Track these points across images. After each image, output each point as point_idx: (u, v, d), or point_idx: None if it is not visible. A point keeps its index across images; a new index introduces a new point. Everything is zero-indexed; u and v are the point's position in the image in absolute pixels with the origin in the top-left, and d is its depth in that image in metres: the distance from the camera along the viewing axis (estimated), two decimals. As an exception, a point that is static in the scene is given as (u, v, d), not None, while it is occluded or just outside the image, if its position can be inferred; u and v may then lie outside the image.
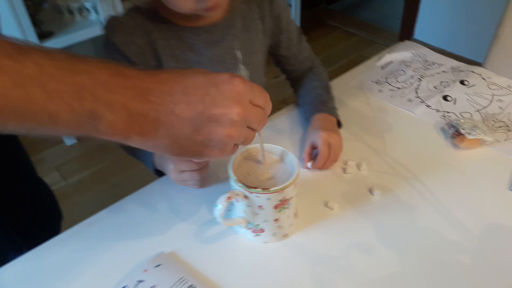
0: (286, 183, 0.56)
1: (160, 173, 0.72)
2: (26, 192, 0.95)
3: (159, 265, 0.58)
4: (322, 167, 0.73)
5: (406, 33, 2.59)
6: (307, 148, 0.74)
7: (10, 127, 0.37)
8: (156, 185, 0.72)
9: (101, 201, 1.70)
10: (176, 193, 0.70)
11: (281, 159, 0.62)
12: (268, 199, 0.56)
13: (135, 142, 0.42)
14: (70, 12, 1.92)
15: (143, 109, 0.40)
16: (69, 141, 1.99)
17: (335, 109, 0.80)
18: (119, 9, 1.91)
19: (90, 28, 1.89)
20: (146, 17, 0.70)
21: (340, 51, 2.62)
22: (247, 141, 0.47)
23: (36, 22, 1.74)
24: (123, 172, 1.82)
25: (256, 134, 0.48)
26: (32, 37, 1.70)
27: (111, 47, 0.69)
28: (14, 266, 0.60)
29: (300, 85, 0.86)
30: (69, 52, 0.39)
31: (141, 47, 0.70)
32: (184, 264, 0.59)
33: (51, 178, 1.81)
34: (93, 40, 2.00)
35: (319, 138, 0.72)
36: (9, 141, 0.89)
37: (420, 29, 2.50)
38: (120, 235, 0.64)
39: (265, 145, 0.60)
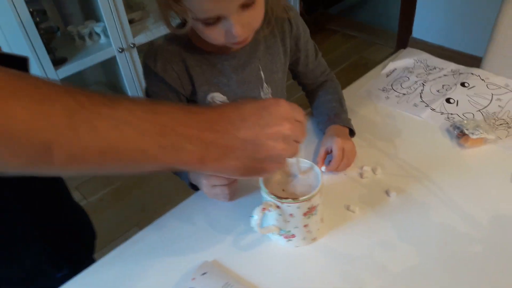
0: (313, 192, 0.63)
1: (194, 187, 0.80)
2: (65, 214, 1.03)
3: (205, 273, 0.65)
4: (335, 170, 0.80)
5: (404, 32, 2.66)
6: (322, 153, 0.81)
7: (108, 167, 0.45)
8: (192, 200, 0.79)
9: (122, 216, 1.78)
10: (211, 207, 0.77)
11: (306, 170, 0.69)
12: (298, 207, 0.63)
13: (211, 168, 0.50)
14: (81, 37, 2.00)
15: (213, 138, 0.48)
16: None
17: (348, 120, 0.87)
18: (128, 31, 1.98)
19: (101, 52, 1.97)
20: (181, 46, 0.79)
21: (342, 54, 2.69)
22: (296, 153, 0.55)
23: (50, 49, 1.82)
24: (139, 188, 1.90)
25: None
26: (47, 64, 1.78)
27: (152, 74, 0.78)
28: (74, 284, 0.67)
29: (315, 97, 0.94)
30: (147, 99, 0.49)
31: (178, 73, 0.79)
32: (227, 270, 0.66)
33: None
34: (103, 63, 2.07)
35: (334, 143, 0.80)
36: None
37: (418, 27, 2.57)
38: (166, 249, 0.71)
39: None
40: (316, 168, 0.67)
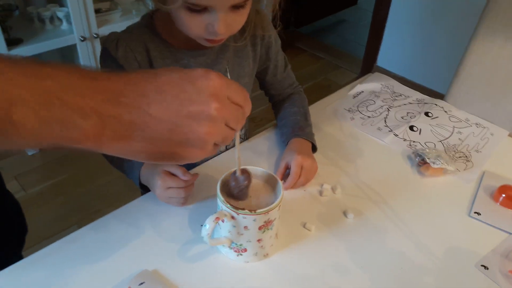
0: (272, 205, 0.59)
1: (144, 188, 0.74)
2: None
3: (142, 283, 0.60)
4: (292, 188, 0.77)
5: (369, 59, 2.72)
6: (281, 168, 0.78)
7: None
8: (139, 202, 0.73)
9: (61, 213, 1.67)
10: (159, 211, 0.71)
11: (265, 181, 0.65)
12: (254, 220, 0.59)
13: (109, 149, 0.39)
14: (41, 20, 1.89)
15: (115, 112, 0.38)
16: (30, 151, 1.94)
17: (311, 135, 0.85)
18: (93, 20, 1.90)
19: (61, 38, 1.87)
20: (146, 35, 0.73)
21: (307, 74, 2.71)
22: (226, 140, 0.44)
23: (4, 28, 1.70)
24: (85, 184, 1.79)
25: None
26: (0, 42, 1.66)
27: (110, 60, 0.72)
28: (-7, 282, 0.60)
29: (280, 109, 0.91)
30: (32, 58, 0.36)
31: (140, 63, 0.73)
32: (167, 282, 0.61)
33: (10, 188, 1.75)
34: (62, 50, 1.97)
35: (293, 160, 0.77)
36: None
37: (383, 57, 2.63)
38: (103, 253, 0.65)
39: (250, 167, 0.63)
40: (278, 181, 0.64)
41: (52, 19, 1.90)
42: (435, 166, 0.81)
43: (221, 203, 0.60)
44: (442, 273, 0.65)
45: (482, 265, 0.66)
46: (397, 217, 0.74)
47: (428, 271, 0.65)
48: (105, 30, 1.97)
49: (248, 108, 0.45)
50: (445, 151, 0.88)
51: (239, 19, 0.69)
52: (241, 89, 0.44)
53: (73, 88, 0.36)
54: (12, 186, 1.77)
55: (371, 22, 2.63)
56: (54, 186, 1.79)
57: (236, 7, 0.65)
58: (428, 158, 0.82)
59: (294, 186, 0.77)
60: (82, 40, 1.91)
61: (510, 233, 0.72)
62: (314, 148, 0.84)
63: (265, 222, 0.60)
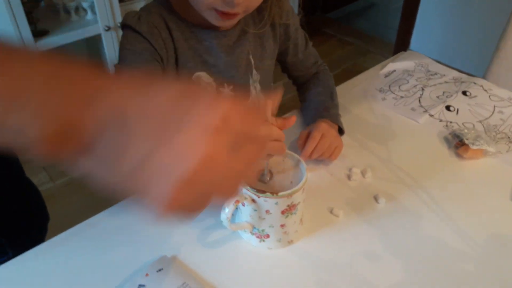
0: (295, 188, 0.55)
1: None
2: (14, 192, 0.93)
3: (161, 270, 0.57)
4: (311, 156, 0.71)
5: (402, 44, 2.61)
6: (303, 135, 0.72)
7: None
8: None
9: (89, 204, 1.67)
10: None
11: (289, 162, 0.61)
12: (276, 203, 0.55)
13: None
14: (67, 11, 1.90)
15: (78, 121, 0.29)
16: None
17: (338, 116, 0.80)
18: (117, 10, 1.90)
19: (86, 28, 1.87)
20: (165, 13, 0.70)
21: (335, 60, 2.63)
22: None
23: (31, 20, 1.71)
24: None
25: None
26: (27, 34, 1.68)
27: (137, 37, 0.67)
28: (7, 267, 0.58)
29: (304, 90, 0.86)
30: None
31: (165, 40, 0.69)
32: (186, 268, 0.58)
33: (38, 178, 1.78)
34: (88, 40, 1.98)
35: (315, 126, 0.72)
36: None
37: (416, 41, 2.53)
38: (121, 238, 0.62)
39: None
40: (302, 162, 0.59)
41: (77, 9, 1.91)
42: (475, 147, 0.74)
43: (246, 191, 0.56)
44: (483, 260, 0.59)
45: (529, 254, 0.60)
46: (433, 202, 0.68)
47: (467, 259, 0.60)
48: (130, 19, 1.97)
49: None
50: (485, 131, 0.82)
51: None
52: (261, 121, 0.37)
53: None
54: (40, 176, 1.79)
55: (402, 4, 2.52)
56: (82, 177, 1.80)
57: None
58: (467, 139, 0.76)
59: (314, 154, 0.70)
60: (106, 30, 1.91)
61: (561, 219, 0.65)
62: (341, 132, 0.79)
63: (288, 206, 0.56)
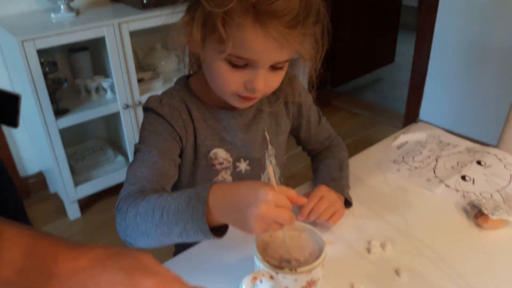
0: (314, 264, 0.54)
1: (217, 233, 0.59)
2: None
3: None
4: (309, 218, 0.70)
5: (411, 114, 2.67)
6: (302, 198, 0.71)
7: None
8: (170, 264, 0.70)
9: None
10: (192, 270, 0.67)
11: (307, 237, 0.60)
12: (295, 280, 0.54)
13: None
14: (87, 91, 2.00)
15: None
16: (72, 215, 1.99)
17: (345, 187, 0.80)
18: (135, 89, 1.99)
19: (105, 106, 1.96)
20: (185, 97, 0.74)
21: (346, 131, 2.68)
22: None
23: (54, 99, 1.81)
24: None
25: None
26: (48, 113, 1.76)
27: (158, 119, 0.71)
28: None
29: (316, 162, 0.88)
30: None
31: (185, 121, 0.73)
32: None
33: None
34: (105, 119, 2.05)
35: (315, 188, 0.72)
36: (18, 214, 0.88)
37: (426, 111, 2.58)
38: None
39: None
40: (319, 236, 0.59)
41: (97, 89, 2.01)
42: (495, 217, 0.73)
43: (258, 262, 0.55)
44: None
45: None
46: (456, 274, 0.66)
47: (500, 339, 0.56)
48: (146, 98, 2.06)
49: None
50: (504, 201, 0.81)
51: (276, 79, 0.69)
52: None
53: None
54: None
55: (410, 76, 2.61)
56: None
57: (275, 68, 0.66)
58: (486, 209, 0.75)
59: (312, 215, 0.70)
60: (125, 108, 1.99)
61: None
62: (348, 204, 0.78)
63: (307, 282, 0.55)
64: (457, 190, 0.85)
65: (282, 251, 0.58)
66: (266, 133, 0.79)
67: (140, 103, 2.03)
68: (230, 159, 0.76)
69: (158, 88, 2.12)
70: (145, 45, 2.15)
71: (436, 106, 2.52)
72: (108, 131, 2.32)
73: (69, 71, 2.08)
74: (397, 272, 0.66)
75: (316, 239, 0.59)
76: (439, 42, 2.41)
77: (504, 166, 0.91)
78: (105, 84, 2.00)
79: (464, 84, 2.35)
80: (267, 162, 0.80)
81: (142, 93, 2.05)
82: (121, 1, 2.11)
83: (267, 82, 0.66)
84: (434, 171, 0.90)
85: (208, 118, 0.75)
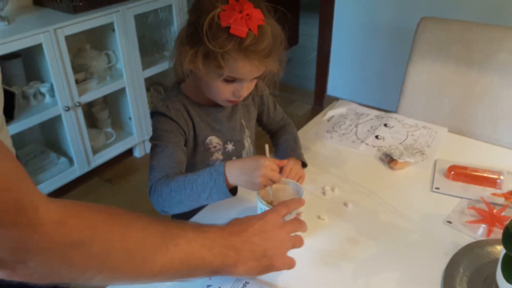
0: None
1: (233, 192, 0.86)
2: None
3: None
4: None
5: (320, 91, 3.07)
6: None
7: (181, 274, 0.64)
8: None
9: None
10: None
11: (289, 186, 0.89)
12: (290, 214, 0.83)
13: (240, 270, 0.68)
14: (25, 97, 2.03)
15: (241, 246, 0.68)
16: None
17: (301, 155, 1.10)
18: (74, 91, 2.08)
19: (46, 111, 2.02)
20: (183, 100, 0.98)
21: (268, 110, 3.00)
22: (297, 244, 0.77)
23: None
24: None
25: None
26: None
27: (167, 120, 0.95)
28: None
29: (276, 139, 1.16)
30: (194, 222, 0.70)
31: (186, 120, 0.97)
32: (233, 271, 0.82)
33: None
34: (42, 123, 2.08)
35: (288, 159, 1.00)
36: None
37: (332, 87, 2.99)
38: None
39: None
40: (297, 184, 0.89)
41: (35, 95, 2.06)
42: (401, 160, 1.09)
43: (262, 205, 0.83)
44: (422, 231, 0.91)
45: (447, 221, 0.93)
46: (382, 200, 1.00)
47: (412, 231, 0.91)
48: (86, 98, 2.16)
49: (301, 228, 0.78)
50: (405, 149, 1.17)
51: (253, 86, 0.97)
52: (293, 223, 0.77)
53: (221, 235, 0.68)
54: None
55: (316, 57, 2.99)
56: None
57: (256, 77, 0.93)
58: (395, 156, 1.10)
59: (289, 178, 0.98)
60: (66, 110, 2.08)
61: (461, 197, 1.00)
62: (304, 165, 1.08)
63: (297, 213, 0.84)
64: (374, 146, 1.19)
65: (273, 199, 0.87)
66: (242, 121, 1.06)
67: (79, 103, 2.13)
68: (221, 143, 1.03)
69: (94, 87, 2.21)
70: (72, 47, 2.19)
71: (341, 81, 2.94)
72: (44, 134, 2.35)
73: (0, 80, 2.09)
74: (345, 204, 0.98)
75: (295, 187, 0.89)
76: (339, 24, 2.80)
77: (403, 125, 1.28)
78: (43, 89, 2.05)
79: (363, 60, 2.79)
80: (245, 141, 1.07)
81: (80, 94, 2.14)
82: (47, 6, 2.14)
83: (248, 88, 0.95)
84: (356, 135, 1.24)
85: (202, 114, 1.00)
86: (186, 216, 0.95)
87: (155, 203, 0.87)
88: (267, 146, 0.87)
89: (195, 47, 0.87)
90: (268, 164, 0.81)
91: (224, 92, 0.92)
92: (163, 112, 0.95)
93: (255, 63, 0.86)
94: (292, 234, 0.75)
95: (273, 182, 0.82)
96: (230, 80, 0.89)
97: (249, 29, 0.82)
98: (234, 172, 0.82)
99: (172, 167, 0.90)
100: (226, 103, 0.96)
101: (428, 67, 1.29)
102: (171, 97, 0.98)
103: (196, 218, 0.96)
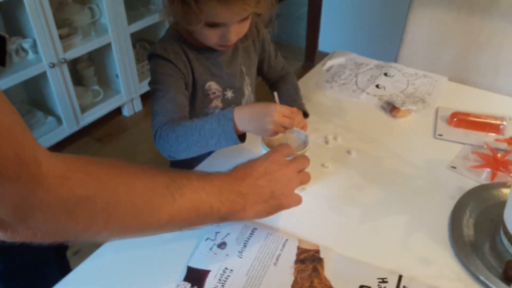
0: (305, 148, 0.82)
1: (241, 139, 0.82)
2: None
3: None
4: None
5: (311, 47, 3.01)
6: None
7: (191, 223, 0.64)
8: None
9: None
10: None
11: (294, 134, 0.88)
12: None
13: (249, 213, 0.69)
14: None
15: (247, 190, 0.68)
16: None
17: (302, 104, 1.08)
18: (58, 46, 2.00)
19: (30, 68, 1.94)
20: (181, 42, 0.93)
21: (258, 68, 2.94)
22: (305, 180, 0.77)
23: (-29, 68, 1.77)
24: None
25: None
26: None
27: (167, 63, 0.91)
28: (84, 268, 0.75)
29: (276, 87, 1.13)
30: (199, 171, 0.68)
31: (184, 62, 0.93)
32: (239, 218, 0.81)
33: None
34: (26, 81, 2.00)
35: None
36: None
37: (324, 42, 2.94)
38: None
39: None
40: (302, 132, 0.87)
41: (17, 51, 1.98)
42: (403, 108, 1.07)
43: (265, 150, 0.81)
44: (426, 176, 0.91)
45: (452, 166, 0.93)
46: (385, 147, 0.99)
47: (416, 177, 0.91)
48: (71, 54, 2.08)
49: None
50: (406, 98, 1.15)
51: (245, 27, 0.91)
52: (301, 162, 0.77)
53: (227, 181, 0.68)
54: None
55: (307, 12, 2.92)
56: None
57: (241, 20, 0.87)
58: (397, 104, 1.08)
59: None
60: (51, 67, 2.01)
61: (464, 143, 0.99)
62: (305, 115, 1.06)
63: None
64: (375, 95, 1.17)
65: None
66: (242, 67, 1.02)
67: (65, 60, 2.05)
68: (220, 89, 0.99)
69: (79, 43, 2.13)
70: (53, 1, 2.10)
71: (334, 36, 2.88)
72: (28, 93, 2.27)
73: (-19, 35, 2.00)
74: (348, 152, 0.97)
75: (301, 136, 0.87)
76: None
77: (403, 74, 1.26)
78: (26, 45, 1.97)
79: (356, 14, 2.72)
80: (245, 89, 1.04)
81: (65, 50, 2.06)
82: (26, -44, 2.03)
83: (237, 32, 0.89)
84: (356, 84, 1.22)
85: (200, 58, 0.95)
86: (193, 161, 0.93)
87: (161, 148, 0.85)
88: (276, 94, 0.84)
89: None
90: (280, 109, 0.78)
91: (210, 37, 0.88)
92: (162, 54, 0.91)
93: (233, 8, 0.82)
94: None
95: (285, 128, 0.80)
96: (213, 25, 0.85)
97: None
98: (243, 118, 0.79)
99: (175, 111, 0.87)
100: (218, 47, 0.92)
101: (429, 14, 1.26)
102: (169, 39, 0.94)
103: (202, 165, 0.94)
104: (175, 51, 0.91)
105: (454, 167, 0.93)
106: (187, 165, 0.97)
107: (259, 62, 1.10)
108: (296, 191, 0.75)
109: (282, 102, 1.05)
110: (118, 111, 2.50)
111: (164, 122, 0.84)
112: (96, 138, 2.36)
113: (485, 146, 0.96)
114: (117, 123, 2.47)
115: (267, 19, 0.98)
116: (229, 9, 0.82)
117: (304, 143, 0.86)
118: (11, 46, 1.94)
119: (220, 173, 0.68)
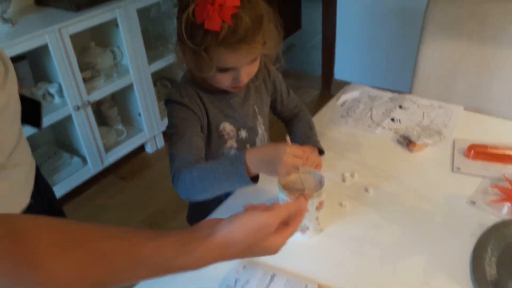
0: (321, 190, 0.83)
1: (254, 180, 0.83)
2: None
3: (245, 266, 0.81)
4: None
5: (327, 75, 3.04)
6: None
7: None
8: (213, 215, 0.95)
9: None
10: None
11: (310, 175, 0.89)
12: (312, 202, 0.82)
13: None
14: (35, 99, 2.04)
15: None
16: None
17: (316, 142, 1.09)
18: (82, 89, 2.08)
19: (56, 112, 2.01)
20: (196, 87, 0.98)
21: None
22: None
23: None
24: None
25: None
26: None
27: (180, 105, 0.95)
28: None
29: (290, 125, 1.15)
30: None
31: (199, 106, 0.97)
32: (260, 263, 0.82)
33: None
34: (53, 125, 2.09)
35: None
36: None
37: (340, 70, 2.96)
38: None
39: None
40: (318, 172, 0.88)
41: (44, 96, 2.06)
42: (420, 142, 1.07)
43: (285, 196, 0.83)
44: (446, 212, 0.91)
45: (471, 201, 0.92)
46: (403, 183, 0.99)
47: (435, 214, 0.91)
48: (95, 96, 2.16)
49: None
50: (422, 131, 1.15)
51: (255, 67, 0.95)
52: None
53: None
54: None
55: (322, 40, 2.96)
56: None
57: (251, 61, 0.91)
58: (413, 138, 1.09)
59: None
60: (76, 110, 2.08)
61: (483, 176, 0.98)
62: (321, 152, 1.06)
63: (319, 202, 0.83)
64: (390, 129, 1.18)
65: (297, 187, 0.86)
66: (255, 107, 1.05)
67: (89, 102, 2.13)
68: (234, 129, 1.02)
69: (102, 85, 2.20)
70: (77, 45, 2.18)
71: (348, 64, 2.91)
72: (55, 135, 2.36)
73: (10, 82, 2.09)
74: (366, 190, 0.98)
75: (317, 176, 0.88)
76: (343, 5, 2.76)
77: (417, 106, 1.26)
78: (52, 89, 2.05)
79: (370, 42, 2.75)
80: (258, 128, 1.07)
81: (89, 92, 2.14)
82: (49, 5, 2.13)
83: (248, 73, 0.93)
84: (371, 118, 1.23)
85: (214, 101, 0.99)
86: (211, 203, 0.96)
87: (180, 190, 0.88)
88: (288, 137, 0.87)
89: (182, 46, 0.88)
90: (290, 150, 0.80)
91: (223, 81, 0.92)
92: (177, 99, 0.95)
93: (240, 52, 0.85)
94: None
95: (297, 169, 0.81)
96: (224, 70, 0.89)
97: (223, 21, 0.81)
98: (255, 160, 0.81)
99: (191, 154, 0.90)
100: (231, 89, 0.96)
101: (440, 45, 1.27)
102: (183, 84, 0.98)
103: (223, 207, 0.97)
104: (189, 96, 0.95)
105: (474, 202, 0.92)
106: (206, 206, 0.99)
107: (272, 101, 1.13)
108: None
109: (297, 140, 1.07)
110: (141, 148, 2.56)
111: (181, 165, 0.88)
112: (120, 176, 2.42)
113: (504, 178, 0.95)
114: (141, 160, 2.53)
115: (274, 57, 1.01)
116: (236, 54, 0.86)
117: (320, 183, 0.88)
118: (38, 92, 2.03)
119: (200, 239, 0.58)
